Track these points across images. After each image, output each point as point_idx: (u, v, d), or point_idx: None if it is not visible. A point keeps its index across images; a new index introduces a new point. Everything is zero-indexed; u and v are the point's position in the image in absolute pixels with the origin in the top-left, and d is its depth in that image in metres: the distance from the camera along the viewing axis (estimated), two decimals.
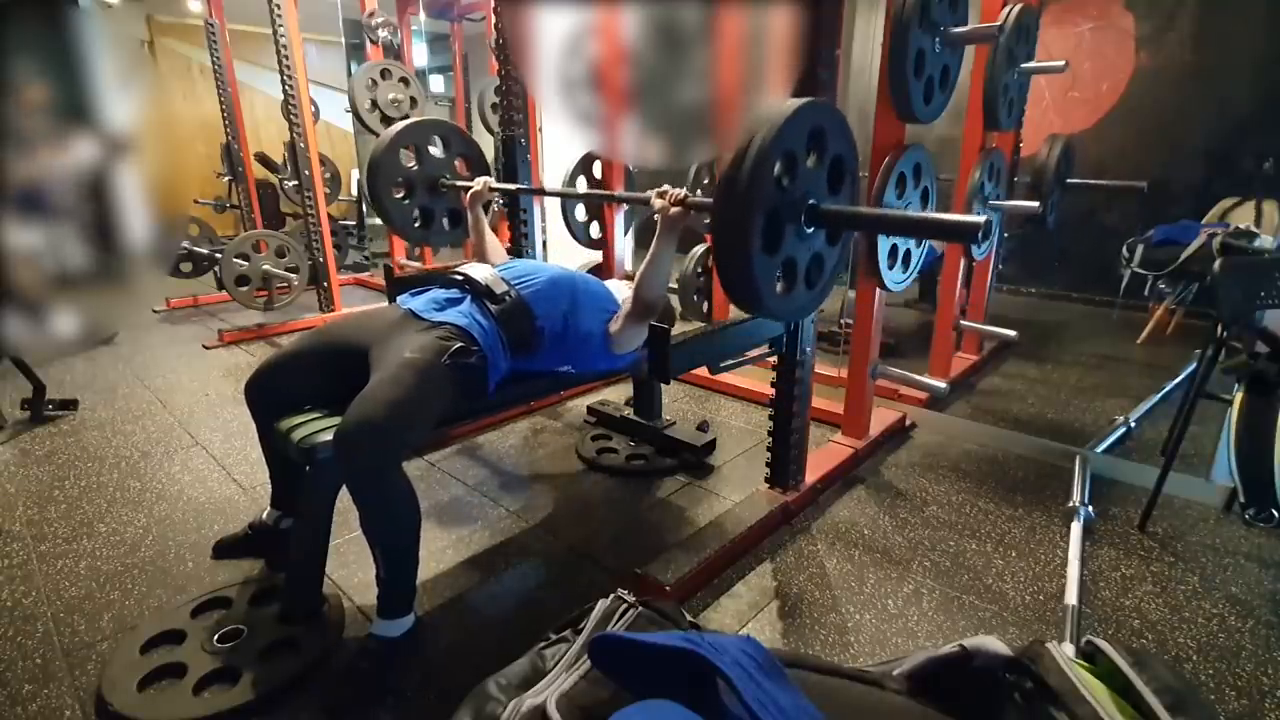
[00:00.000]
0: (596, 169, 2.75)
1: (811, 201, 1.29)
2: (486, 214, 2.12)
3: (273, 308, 3.95)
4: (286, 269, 3.95)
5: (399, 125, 2.26)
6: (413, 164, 2.32)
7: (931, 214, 1.23)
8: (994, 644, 0.62)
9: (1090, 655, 0.62)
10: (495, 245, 2.08)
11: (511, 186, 2.27)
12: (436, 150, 2.37)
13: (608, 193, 1.74)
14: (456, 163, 2.41)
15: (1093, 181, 3.50)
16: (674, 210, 1.53)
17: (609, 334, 1.66)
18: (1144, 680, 0.55)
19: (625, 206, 2.81)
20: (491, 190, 2.11)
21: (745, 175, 1.15)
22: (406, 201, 2.34)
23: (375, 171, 2.23)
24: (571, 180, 2.72)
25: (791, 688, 0.50)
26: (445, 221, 2.45)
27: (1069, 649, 0.61)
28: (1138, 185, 3.38)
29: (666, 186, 1.57)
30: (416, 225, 2.41)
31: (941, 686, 0.64)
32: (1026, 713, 0.58)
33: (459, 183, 2.30)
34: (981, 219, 1.14)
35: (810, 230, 1.31)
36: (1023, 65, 2.50)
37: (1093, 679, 0.58)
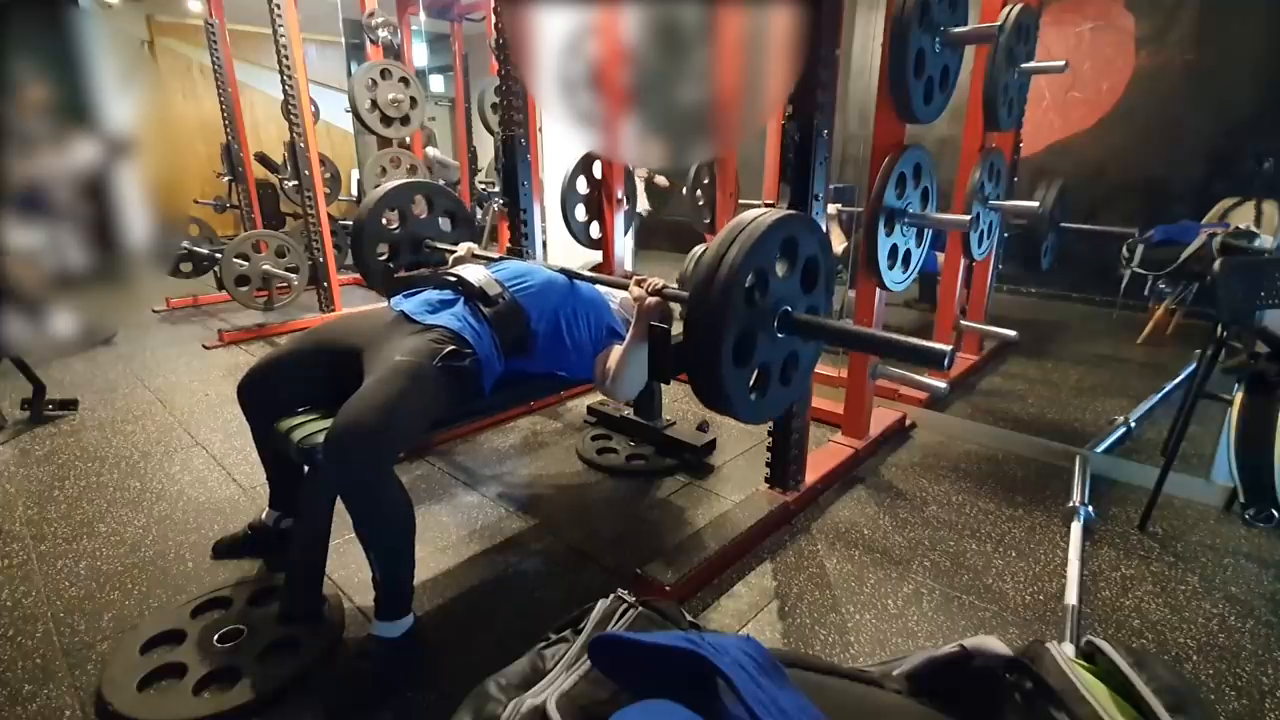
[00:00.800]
0: (596, 169, 2.75)
1: (785, 309, 1.30)
2: None
3: (273, 308, 3.95)
4: (286, 269, 3.95)
5: (383, 189, 2.19)
6: (396, 226, 2.26)
7: (900, 337, 1.28)
8: (994, 644, 0.62)
9: (1090, 655, 0.62)
10: None
11: (493, 255, 2.23)
12: (421, 210, 2.31)
13: (591, 274, 1.76)
14: (442, 222, 2.35)
15: (1085, 226, 3.55)
16: (650, 300, 1.52)
17: (595, 369, 1.65)
18: (1144, 680, 0.55)
19: (626, 206, 2.81)
20: (475, 256, 2.09)
21: (715, 294, 1.17)
22: (391, 263, 2.28)
23: (359, 235, 2.16)
24: (571, 180, 2.73)
25: (792, 688, 0.50)
26: None
27: (1069, 649, 0.61)
28: (1128, 231, 3.43)
29: (643, 277, 1.58)
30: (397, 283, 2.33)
31: (941, 686, 0.64)
32: (1026, 713, 0.58)
33: (442, 246, 2.25)
34: (948, 347, 1.17)
35: (782, 335, 1.33)
36: (1022, 65, 2.50)
37: (1093, 679, 0.58)
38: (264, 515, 1.69)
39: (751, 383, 1.33)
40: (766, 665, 0.51)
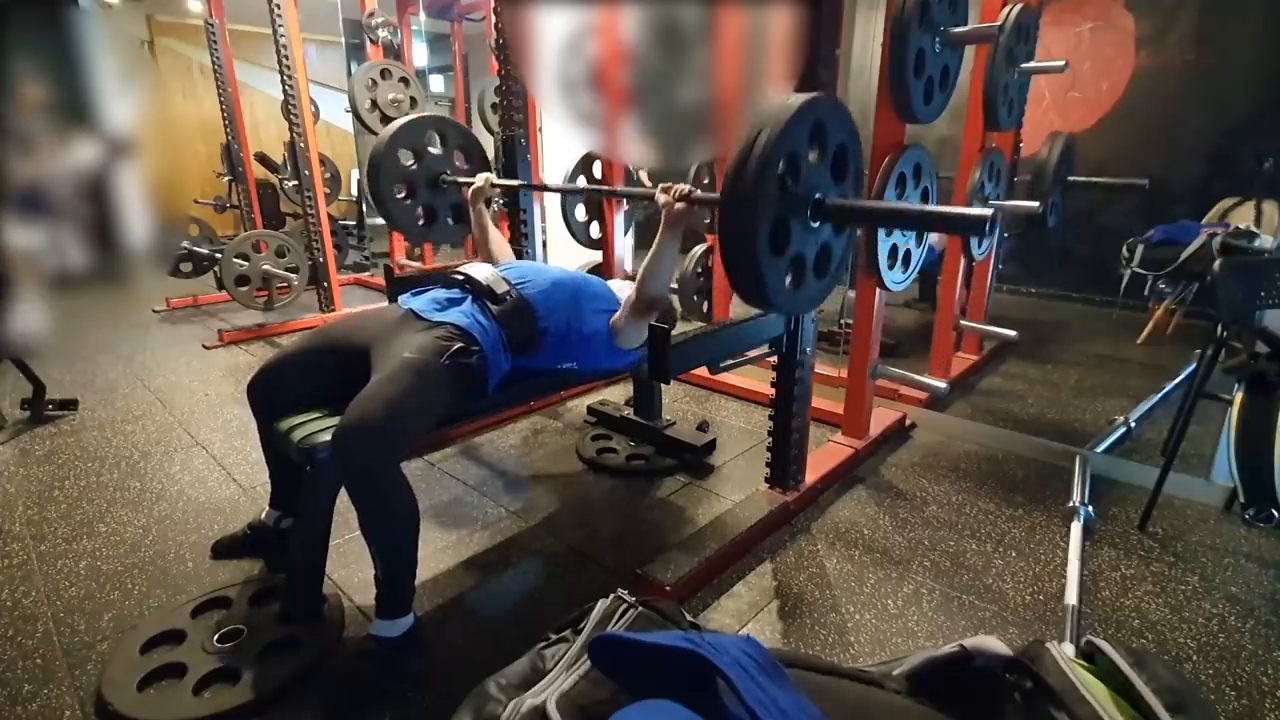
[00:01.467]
0: (596, 169, 2.75)
1: (817, 196, 1.28)
2: (489, 209, 2.12)
3: (272, 308, 3.95)
4: (286, 269, 3.95)
5: (396, 124, 2.25)
6: (412, 162, 2.32)
7: (937, 207, 1.26)
8: (994, 644, 0.62)
9: (1090, 655, 0.62)
10: (499, 240, 2.09)
11: (513, 182, 2.26)
12: (435, 147, 2.37)
13: (612, 188, 1.73)
14: (456, 158, 2.41)
15: (1094, 179, 3.50)
16: (678, 205, 1.54)
17: (612, 328, 1.66)
18: (1144, 680, 0.55)
19: (625, 206, 2.80)
20: (493, 186, 2.11)
21: (748, 181, 1.15)
22: (409, 201, 2.34)
23: (376, 171, 2.21)
24: (571, 180, 2.72)
25: (792, 688, 0.50)
26: (449, 218, 2.46)
27: (1069, 649, 0.61)
28: (1139, 182, 3.38)
29: (670, 183, 1.58)
30: (420, 224, 2.41)
31: (941, 686, 0.64)
32: (1026, 713, 0.58)
33: (460, 179, 2.29)
34: (988, 211, 1.16)
35: (816, 224, 1.31)
36: (1022, 65, 2.50)
37: (1093, 679, 0.58)
38: (264, 515, 1.69)
39: (787, 273, 1.31)
40: (766, 665, 0.51)
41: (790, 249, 1.27)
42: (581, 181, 2.76)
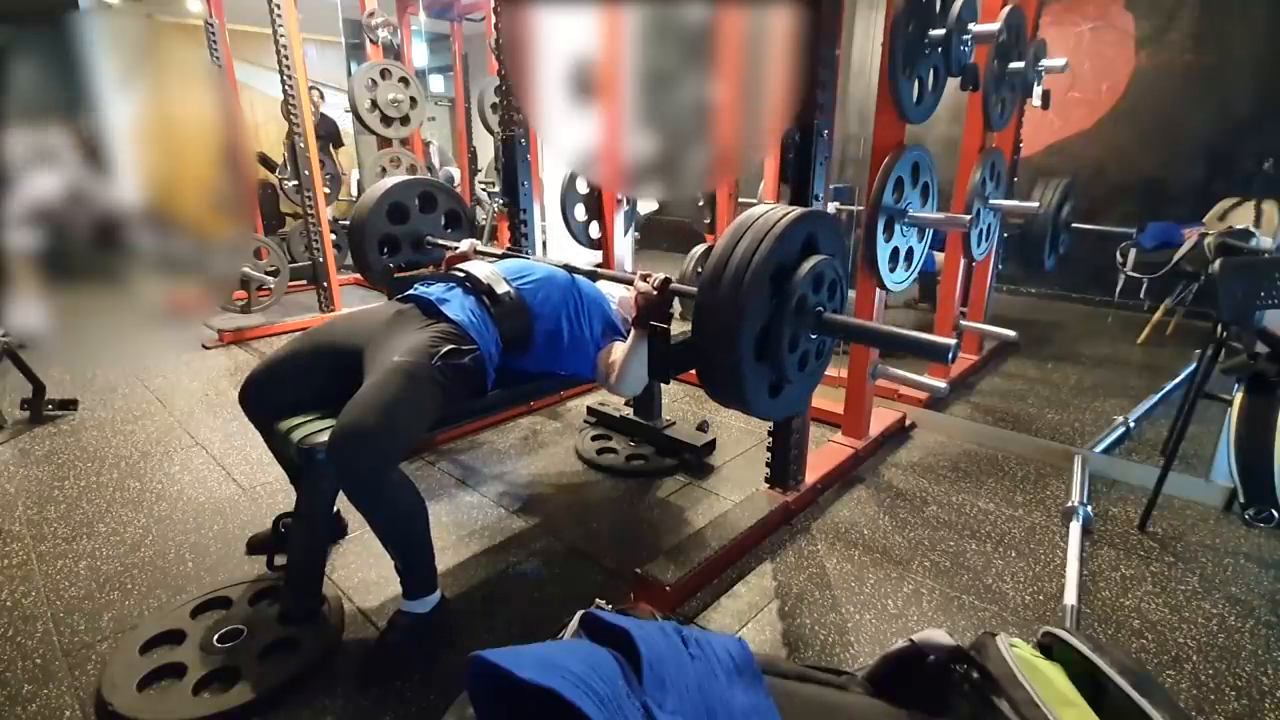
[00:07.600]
0: None
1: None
2: None
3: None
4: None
5: (384, 185, 2.19)
6: (397, 223, 2.25)
7: (913, 333, 1.34)
8: (941, 637, 0.66)
9: (1048, 646, 0.66)
10: None
11: (496, 251, 2.20)
12: (424, 210, 2.31)
13: (596, 269, 1.74)
14: (441, 221, 2.35)
15: (1090, 227, 3.54)
16: (655, 295, 1.50)
17: (598, 366, 1.65)
18: (1106, 663, 0.58)
19: (626, 205, 2.80)
20: (478, 253, 2.08)
21: (727, 293, 1.17)
22: (389, 258, 2.27)
23: (360, 232, 2.15)
24: (571, 180, 2.72)
25: (759, 691, 0.52)
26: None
27: (1018, 639, 0.65)
28: (1128, 231, 3.44)
29: (649, 272, 1.55)
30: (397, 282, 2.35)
31: (898, 681, 0.67)
32: (973, 700, 0.60)
33: (443, 243, 2.23)
34: (952, 341, 1.23)
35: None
36: (1012, 65, 2.50)
37: (1045, 665, 0.61)
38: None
39: (771, 381, 1.33)
40: (743, 667, 0.52)
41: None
42: (582, 181, 2.75)
